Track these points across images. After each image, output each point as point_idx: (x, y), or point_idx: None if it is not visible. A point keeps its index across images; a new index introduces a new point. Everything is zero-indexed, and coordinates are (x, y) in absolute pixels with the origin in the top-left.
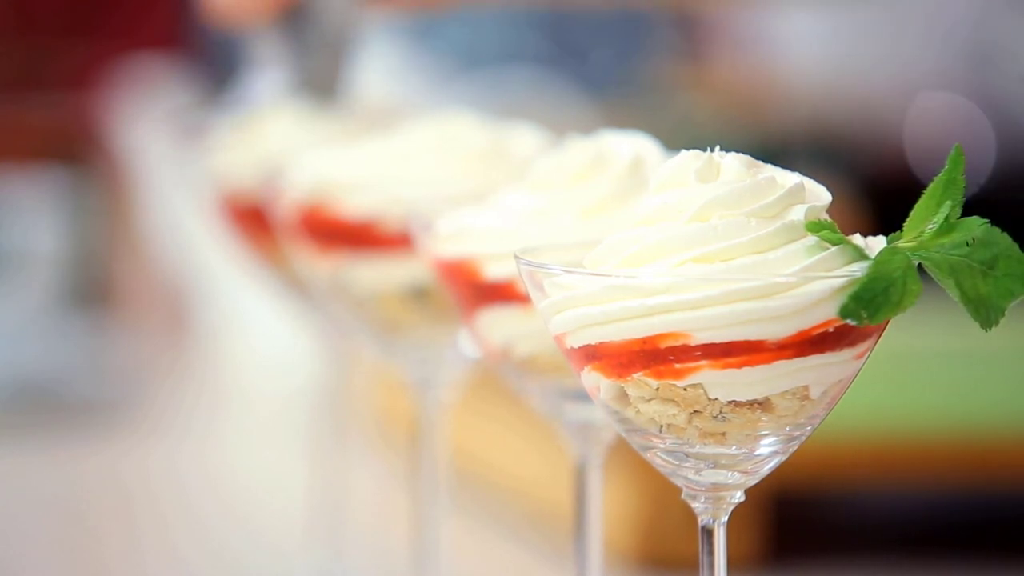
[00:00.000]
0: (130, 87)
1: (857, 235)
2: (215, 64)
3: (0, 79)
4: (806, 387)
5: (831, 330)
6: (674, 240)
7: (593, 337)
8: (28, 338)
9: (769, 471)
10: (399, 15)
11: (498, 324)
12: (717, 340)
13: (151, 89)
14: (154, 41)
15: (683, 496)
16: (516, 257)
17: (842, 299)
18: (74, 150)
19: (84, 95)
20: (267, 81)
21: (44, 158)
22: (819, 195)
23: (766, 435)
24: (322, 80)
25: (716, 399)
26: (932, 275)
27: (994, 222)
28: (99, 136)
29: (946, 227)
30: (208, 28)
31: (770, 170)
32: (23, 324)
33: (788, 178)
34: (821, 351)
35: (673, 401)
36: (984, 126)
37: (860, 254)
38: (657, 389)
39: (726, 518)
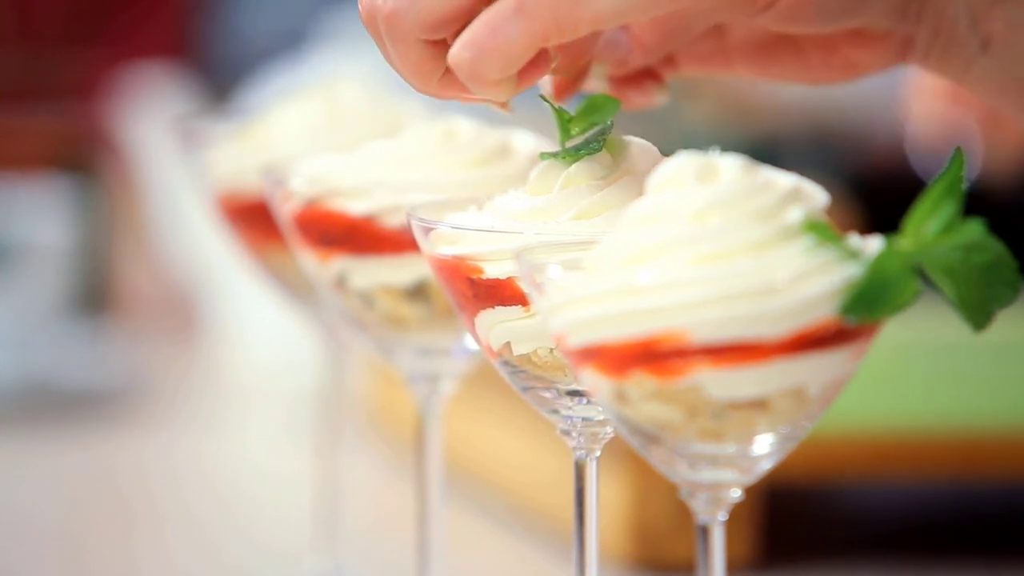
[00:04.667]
0: (133, 94)
1: (854, 235)
2: (218, 71)
3: (2, 87)
4: (804, 386)
5: (829, 330)
6: (672, 241)
7: (592, 337)
8: (34, 339)
9: (767, 469)
10: None
11: (497, 324)
12: (715, 340)
13: (154, 96)
14: (156, 48)
15: (681, 495)
16: (515, 257)
17: (840, 299)
18: (79, 156)
19: (87, 102)
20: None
21: (49, 164)
22: (816, 196)
23: (764, 434)
24: None
25: (715, 399)
26: (929, 276)
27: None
28: (103, 142)
29: (946, 229)
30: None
31: (768, 171)
32: (29, 325)
33: (785, 179)
34: (819, 350)
35: (672, 401)
36: (975, 129)
37: (858, 254)
38: (656, 389)
39: (724, 517)
